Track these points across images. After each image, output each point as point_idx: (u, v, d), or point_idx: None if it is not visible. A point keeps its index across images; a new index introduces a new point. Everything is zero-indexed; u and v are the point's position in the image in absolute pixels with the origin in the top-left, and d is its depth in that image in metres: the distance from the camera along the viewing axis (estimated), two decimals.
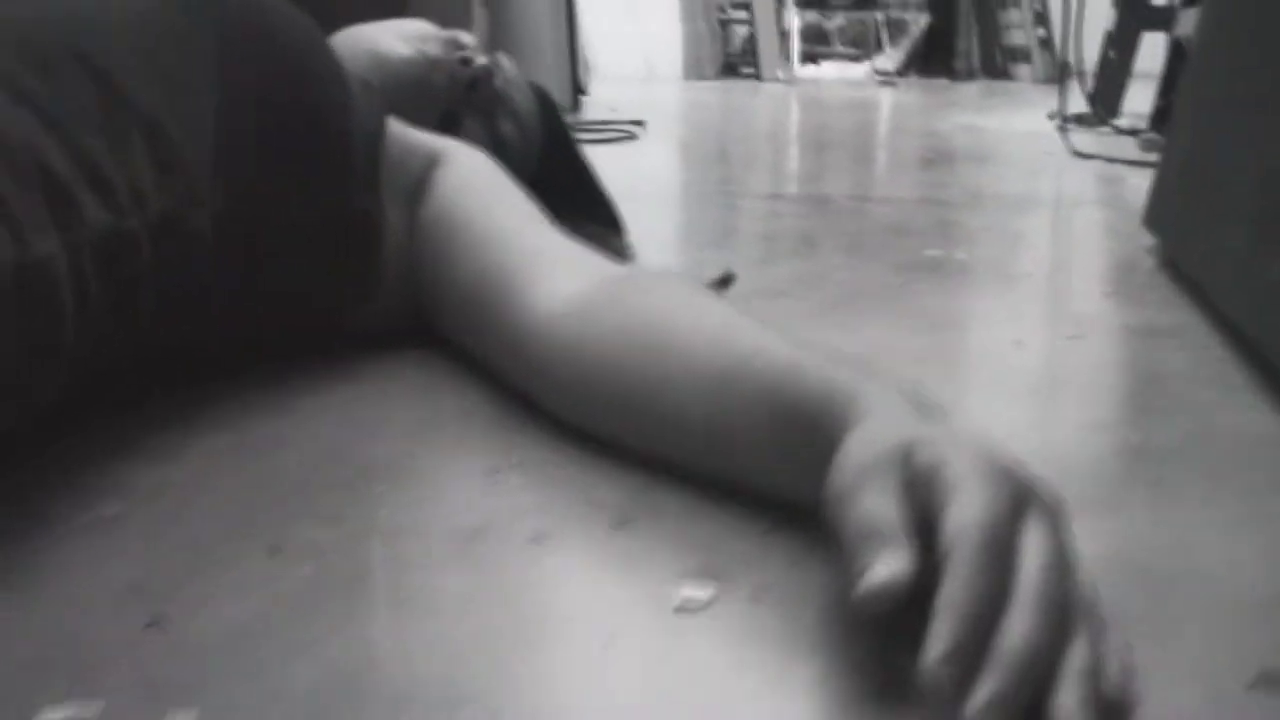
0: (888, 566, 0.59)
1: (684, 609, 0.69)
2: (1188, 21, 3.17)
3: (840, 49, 7.48)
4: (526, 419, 0.97)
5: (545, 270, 1.02)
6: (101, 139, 0.90)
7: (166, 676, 0.61)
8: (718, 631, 0.67)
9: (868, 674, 0.63)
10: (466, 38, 1.49)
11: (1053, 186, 2.67)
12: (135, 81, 0.95)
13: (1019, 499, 0.62)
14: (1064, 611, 0.59)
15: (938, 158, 3.19)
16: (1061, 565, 0.61)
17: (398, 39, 1.42)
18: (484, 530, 0.79)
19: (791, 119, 4.58)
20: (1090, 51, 4.00)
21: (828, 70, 7.24)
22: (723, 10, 7.23)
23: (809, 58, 7.31)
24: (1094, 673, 0.58)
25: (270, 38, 1.09)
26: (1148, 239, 1.79)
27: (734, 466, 0.83)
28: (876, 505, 0.62)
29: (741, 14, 7.09)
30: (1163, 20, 3.84)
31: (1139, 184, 2.23)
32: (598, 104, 4.36)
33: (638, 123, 3.75)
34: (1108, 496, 0.87)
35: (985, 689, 0.55)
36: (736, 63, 7.12)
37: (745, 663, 0.64)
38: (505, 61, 1.54)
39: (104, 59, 0.94)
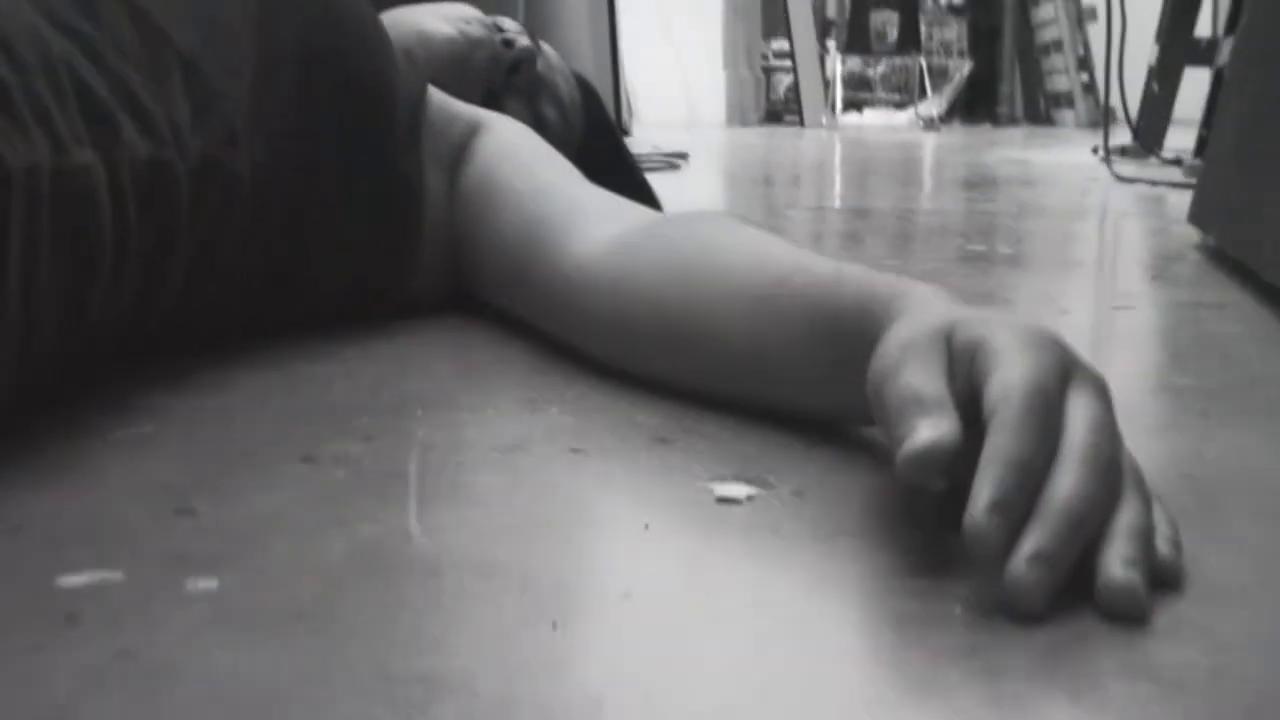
0: (932, 429, 0.57)
1: (723, 502, 0.68)
2: (1230, 52, 3.15)
3: (883, 95, 7.49)
4: (568, 365, 0.96)
5: (584, 218, 1.02)
6: (140, 74, 0.90)
7: (190, 551, 0.60)
8: (756, 524, 0.65)
9: (912, 552, 0.61)
10: (510, 22, 1.49)
11: (1096, 202, 2.65)
12: (174, 21, 0.95)
13: (1065, 368, 0.61)
14: (1113, 472, 0.58)
15: (982, 181, 3.18)
16: (1110, 429, 0.59)
17: (441, 20, 1.42)
18: (523, 444, 0.78)
19: (835, 154, 4.58)
20: (1134, 91, 3.98)
21: (871, 117, 7.25)
22: (766, 58, 7.26)
23: (852, 104, 7.33)
24: (1144, 534, 0.56)
25: None
26: (1194, 237, 1.77)
27: (778, 387, 0.81)
28: (919, 377, 0.61)
29: (785, 62, 7.11)
30: (1206, 54, 3.83)
31: (1181, 201, 2.22)
32: (640, 143, 4.37)
33: (681, 155, 3.76)
34: (1154, 424, 0.85)
35: (1032, 540, 0.54)
36: (780, 110, 7.14)
37: (784, 549, 0.62)
38: (548, 48, 1.54)
39: (146, 2, 0.94)
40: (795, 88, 6.86)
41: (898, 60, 7.30)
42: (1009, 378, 0.58)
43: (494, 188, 1.14)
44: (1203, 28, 3.94)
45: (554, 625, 0.52)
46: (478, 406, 0.87)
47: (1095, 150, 4.01)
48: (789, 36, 6.80)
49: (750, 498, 0.68)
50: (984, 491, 0.54)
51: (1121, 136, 3.91)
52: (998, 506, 0.54)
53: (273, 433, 0.80)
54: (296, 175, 1.04)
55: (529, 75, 1.46)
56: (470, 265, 1.16)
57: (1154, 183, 2.99)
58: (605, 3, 2.83)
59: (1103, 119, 3.87)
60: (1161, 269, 1.58)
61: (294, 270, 1.06)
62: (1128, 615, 0.53)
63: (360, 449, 0.77)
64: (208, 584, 0.56)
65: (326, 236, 1.08)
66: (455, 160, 1.19)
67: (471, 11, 1.47)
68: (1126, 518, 0.57)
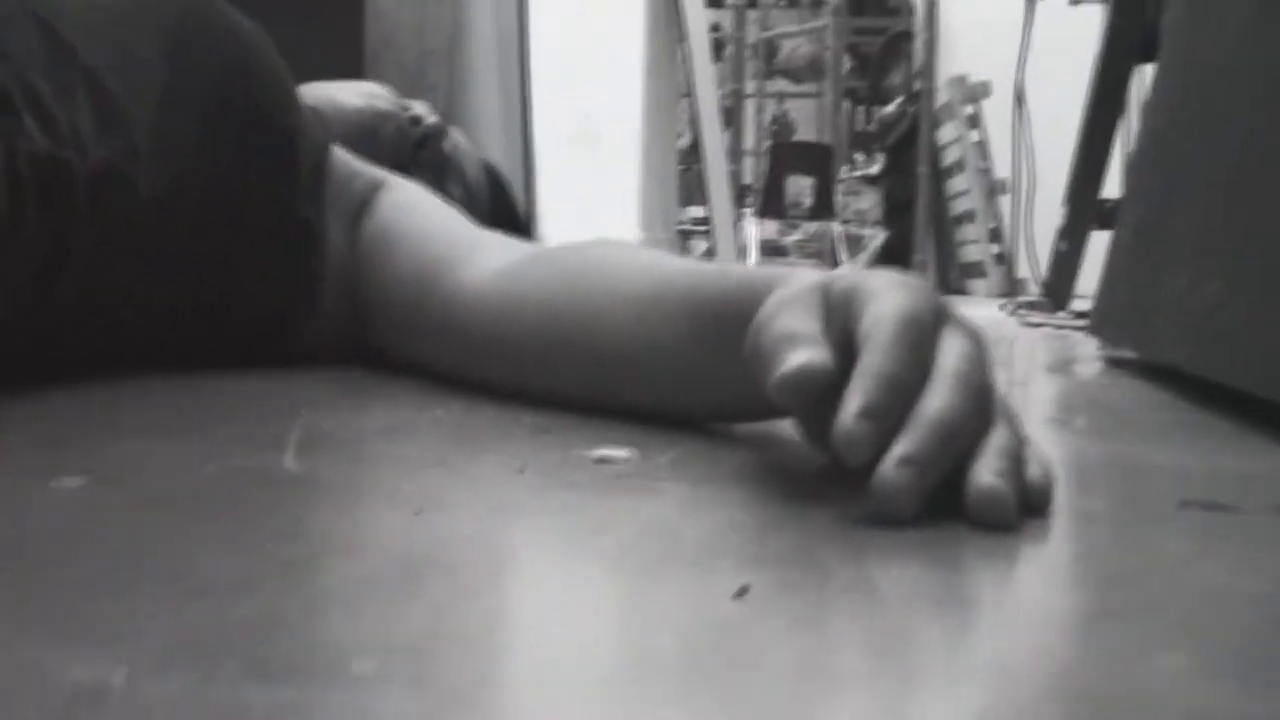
0: (804, 356, 0.58)
1: (601, 462, 0.67)
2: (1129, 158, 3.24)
3: (799, 261, 7.60)
4: (459, 388, 0.95)
5: (477, 252, 1.02)
6: (45, 82, 0.90)
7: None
8: (632, 475, 0.65)
9: (788, 490, 0.61)
10: (420, 104, 1.51)
11: (1005, 337, 2.70)
12: (81, 38, 0.96)
13: (938, 310, 0.62)
14: (985, 398, 0.58)
15: None
16: (982, 363, 0.60)
17: (351, 93, 1.44)
18: (404, 427, 0.78)
19: None
20: (1044, 256, 4.06)
21: None
22: (681, 222, 7.36)
23: None
24: (1014, 455, 0.57)
25: (228, 32, 1.11)
26: (1093, 349, 1.81)
27: (667, 387, 0.81)
28: (794, 320, 0.61)
29: (702, 226, 7.21)
30: (1110, 217, 3.93)
31: (1085, 338, 2.26)
32: None
33: None
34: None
35: (901, 446, 0.54)
36: None
37: (658, 490, 0.62)
38: (458, 132, 1.56)
39: (54, 18, 0.95)
40: (709, 252, 6.95)
41: (813, 227, 7.43)
42: (882, 309, 0.59)
43: (393, 237, 1.14)
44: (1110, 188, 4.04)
45: (416, 512, 0.52)
46: (362, 408, 0.87)
47: (1003, 306, 4.08)
48: (705, 203, 6.91)
49: (627, 459, 0.68)
50: (854, 400, 0.55)
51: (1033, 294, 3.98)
52: (867, 412, 0.54)
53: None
54: (197, 206, 1.03)
55: (435, 152, 1.48)
56: (366, 312, 1.15)
57: (1059, 326, 3.04)
58: (520, 129, 2.86)
59: (1008, 268, 3.95)
60: (1060, 366, 1.61)
61: (191, 302, 1.05)
62: (995, 521, 0.53)
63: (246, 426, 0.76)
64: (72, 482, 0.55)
65: (225, 271, 1.07)
66: (357, 214, 1.19)
67: (382, 90, 1.49)
68: (997, 440, 0.57)
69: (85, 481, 0.55)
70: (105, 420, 0.76)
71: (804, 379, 0.57)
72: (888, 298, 0.60)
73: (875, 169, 6.83)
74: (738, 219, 7.20)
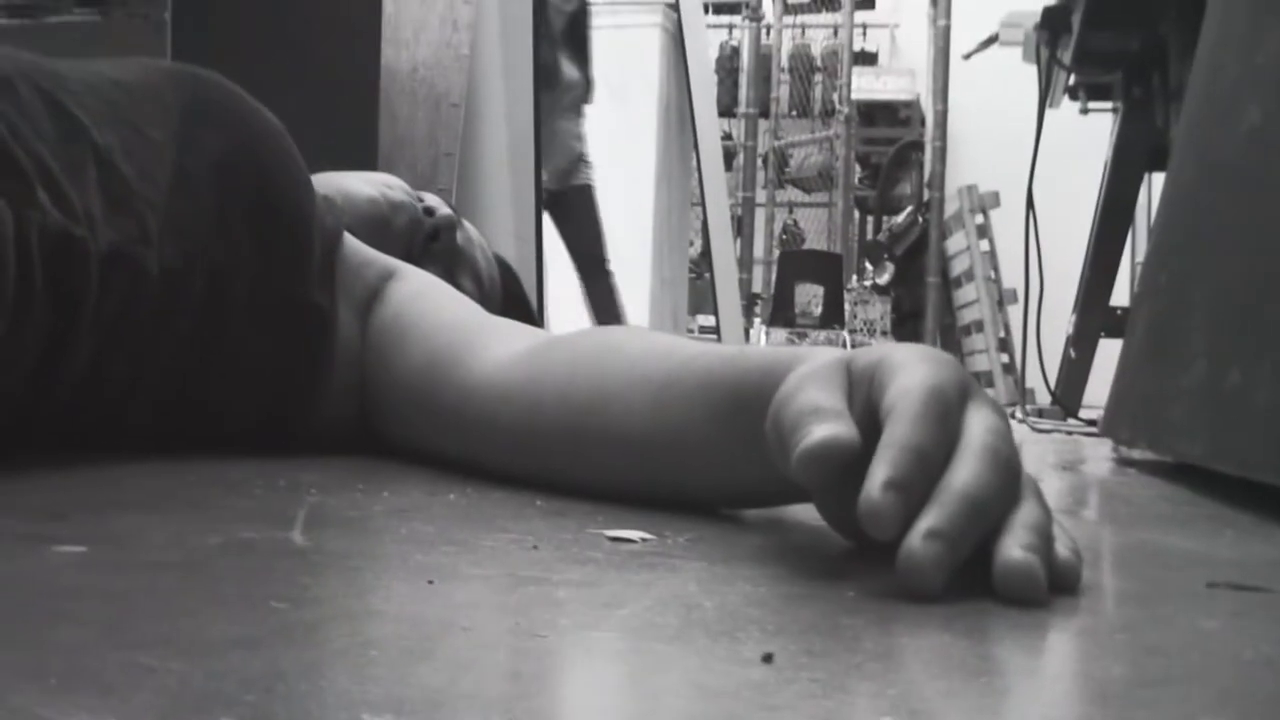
0: (828, 430, 0.56)
1: (617, 541, 0.66)
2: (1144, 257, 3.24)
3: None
4: (472, 473, 0.94)
5: (491, 338, 1.01)
6: (56, 160, 0.90)
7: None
8: (649, 554, 0.63)
9: (809, 568, 0.60)
10: (433, 196, 1.51)
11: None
12: (91, 117, 0.96)
13: (964, 384, 0.60)
14: (1012, 473, 0.57)
15: None
16: (1008, 437, 0.59)
17: (364, 182, 1.44)
18: (417, 508, 0.76)
19: None
20: (1053, 365, 4.06)
21: None
22: (692, 330, 7.37)
23: None
24: (1043, 531, 0.55)
25: (240, 115, 1.11)
26: (1106, 450, 1.79)
27: (685, 472, 0.79)
28: (817, 395, 0.60)
29: (711, 335, 7.22)
30: (1120, 325, 3.92)
31: (1096, 443, 2.24)
32: None
33: None
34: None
35: (928, 519, 0.53)
36: None
37: (675, 568, 0.60)
38: (470, 225, 1.56)
39: (60, 92, 0.95)
40: None
41: (822, 335, 7.43)
42: (907, 382, 0.58)
43: (404, 324, 1.13)
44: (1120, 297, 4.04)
45: (429, 581, 0.50)
46: (372, 490, 0.85)
47: (1013, 414, 4.06)
48: (715, 311, 6.92)
49: (644, 540, 0.66)
50: (880, 471, 0.53)
51: (1042, 403, 3.98)
52: (894, 484, 0.53)
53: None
54: (208, 288, 1.03)
55: (448, 244, 1.47)
56: (375, 401, 1.14)
57: (1070, 432, 3.03)
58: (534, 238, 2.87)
59: (1020, 376, 3.94)
60: (1072, 465, 1.59)
61: (199, 385, 1.04)
62: (1025, 596, 0.52)
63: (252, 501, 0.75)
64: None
65: (234, 354, 1.06)
66: (368, 302, 1.18)
67: (396, 180, 1.49)
68: (1026, 515, 0.56)
69: (86, 550, 0.54)
70: (108, 495, 0.75)
71: (828, 453, 0.56)
72: (913, 371, 0.59)
73: (884, 278, 6.85)
74: (747, 327, 7.22)
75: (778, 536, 0.69)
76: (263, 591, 0.47)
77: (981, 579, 0.52)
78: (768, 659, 0.40)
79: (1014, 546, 0.53)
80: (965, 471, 0.54)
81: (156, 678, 0.35)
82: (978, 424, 0.58)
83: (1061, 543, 0.57)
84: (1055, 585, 0.54)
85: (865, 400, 0.60)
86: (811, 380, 0.62)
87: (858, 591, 0.53)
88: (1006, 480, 0.56)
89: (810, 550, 0.65)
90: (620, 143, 5.71)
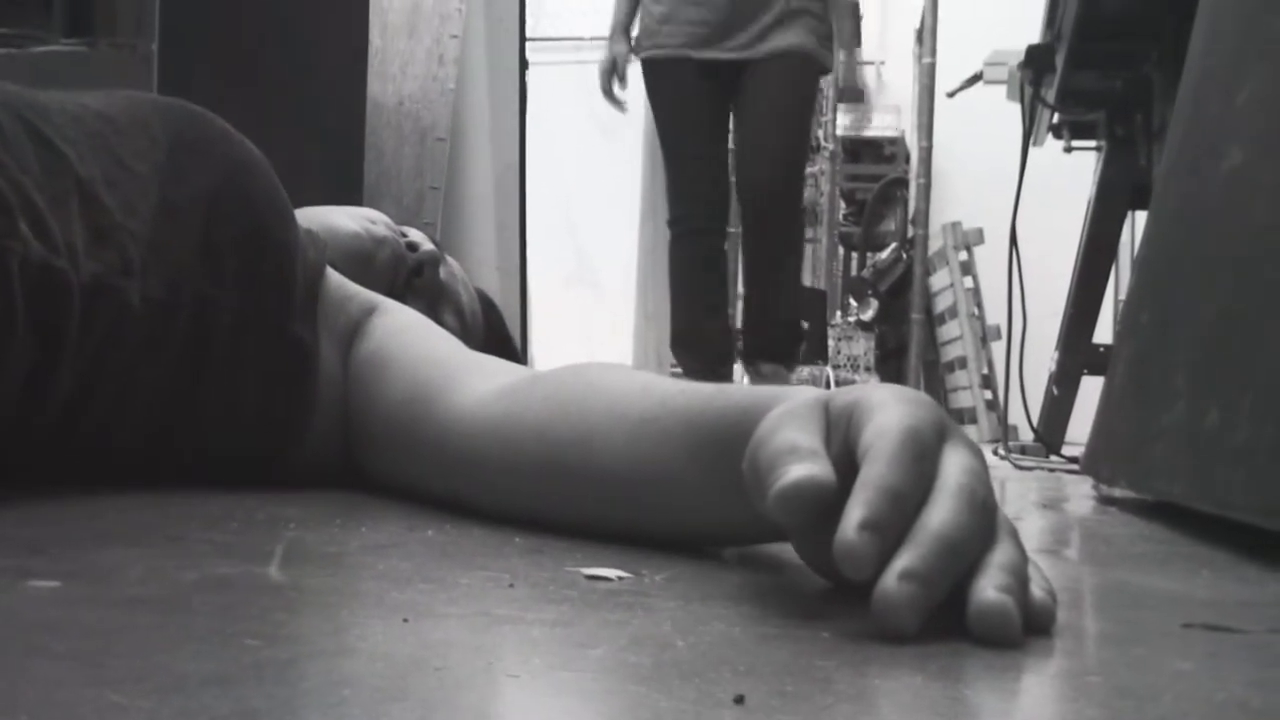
0: (804, 469, 0.56)
1: (593, 579, 0.66)
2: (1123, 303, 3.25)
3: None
4: (452, 510, 0.93)
5: (471, 374, 1.01)
6: (39, 193, 0.90)
7: None
8: (625, 592, 0.63)
9: (785, 609, 0.60)
10: (416, 231, 1.51)
11: (995, 479, 2.68)
12: (74, 150, 0.96)
13: (941, 424, 0.60)
14: (988, 514, 0.57)
15: None
16: (985, 479, 0.59)
17: (347, 217, 1.44)
18: (396, 544, 0.76)
19: None
20: (1036, 402, 4.06)
21: None
22: (674, 365, 7.36)
23: None
24: (1019, 572, 0.56)
25: (224, 148, 1.11)
26: (1087, 488, 1.79)
27: (662, 510, 0.79)
28: (794, 435, 0.60)
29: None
30: (1103, 362, 3.93)
31: (1078, 480, 2.24)
32: None
33: None
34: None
35: (904, 559, 0.53)
36: None
37: (651, 606, 0.60)
38: (453, 261, 1.56)
39: (42, 122, 0.95)
40: None
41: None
42: (884, 422, 0.58)
43: (386, 359, 1.13)
44: (1102, 335, 4.05)
45: (404, 619, 0.50)
46: (351, 526, 0.85)
47: (995, 451, 4.06)
48: None
49: (621, 578, 0.66)
50: (855, 512, 0.53)
51: (1024, 440, 3.98)
52: (869, 524, 0.53)
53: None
54: (191, 320, 1.03)
55: (431, 279, 1.47)
56: (357, 435, 1.14)
57: (1052, 469, 3.03)
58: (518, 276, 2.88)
59: (1002, 413, 3.95)
60: (1053, 503, 1.59)
61: (182, 419, 1.04)
62: (999, 637, 0.52)
63: (221, 536, 0.74)
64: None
65: (217, 388, 1.06)
66: (350, 336, 1.18)
67: (379, 215, 1.49)
68: (1001, 555, 0.56)
69: (61, 584, 0.54)
70: (86, 529, 0.75)
71: (804, 492, 0.56)
72: (890, 411, 0.59)
73: (869, 314, 6.85)
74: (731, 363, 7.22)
75: (755, 575, 0.69)
76: (237, 628, 0.47)
77: (956, 620, 0.52)
78: (739, 700, 0.40)
79: (989, 588, 0.53)
80: (941, 512, 0.54)
81: (128, 716, 0.35)
82: (954, 465, 0.58)
83: (1036, 584, 0.57)
84: (1030, 626, 0.54)
85: (843, 440, 0.61)
86: (789, 420, 0.62)
87: (832, 632, 0.53)
88: (982, 521, 0.56)
89: (787, 590, 0.66)
90: (607, 176, 5.72)
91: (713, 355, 3.70)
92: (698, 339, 3.70)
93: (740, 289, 4.65)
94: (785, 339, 3.72)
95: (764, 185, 3.49)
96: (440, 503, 0.94)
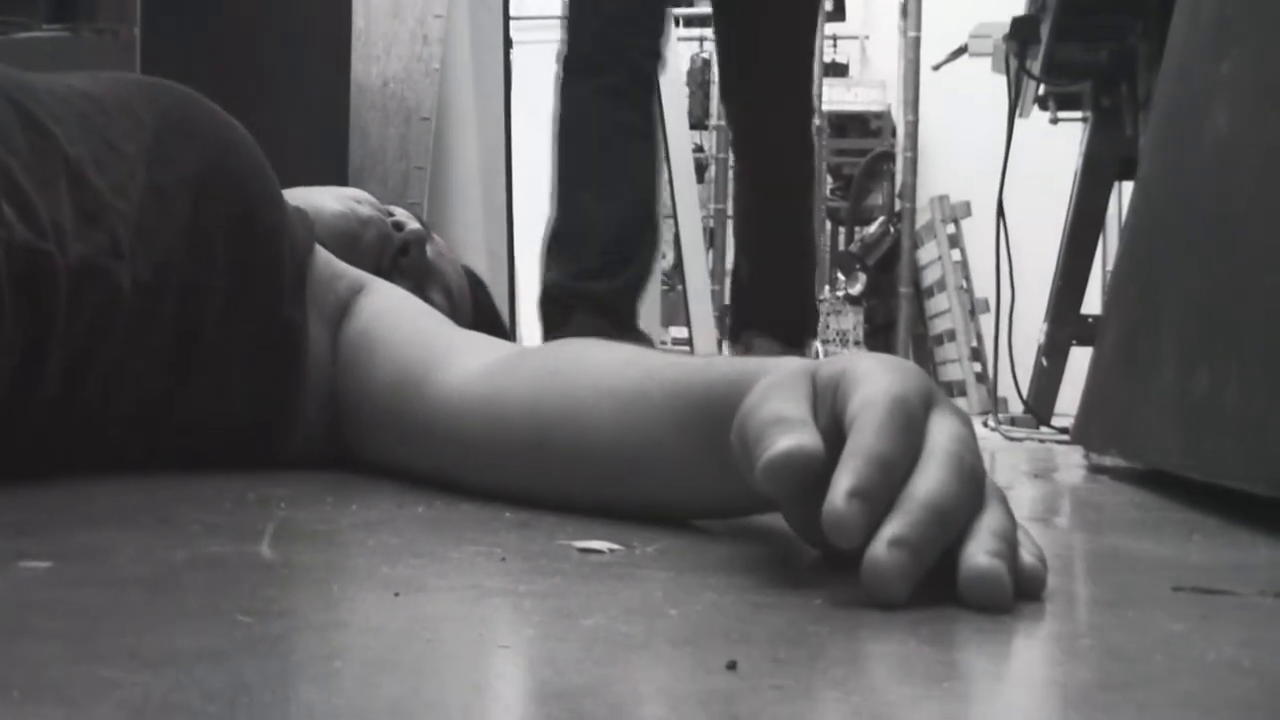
0: (792, 440, 0.56)
1: (585, 552, 0.66)
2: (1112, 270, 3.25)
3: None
4: (442, 489, 0.93)
5: (459, 353, 1.01)
6: (26, 173, 0.90)
7: None
8: (617, 564, 0.63)
9: (778, 579, 0.60)
10: (401, 210, 1.51)
11: (985, 449, 2.69)
12: (63, 130, 0.95)
13: (928, 393, 0.60)
14: (976, 481, 0.57)
15: None
16: (973, 445, 0.59)
17: (333, 198, 1.43)
18: (386, 520, 0.76)
19: None
20: (1025, 373, 4.07)
21: None
22: (665, 343, 7.36)
23: None
24: (1008, 537, 0.56)
25: (212, 128, 1.10)
26: (1077, 457, 1.80)
27: (650, 483, 0.79)
28: (782, 404, 0.60)
29: (684, 348, 7.22)
30: (1091, 332, 3.94)
31: (1068, 450, 2.26)
32: None
33: None
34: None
35: (892, 527, 0.53)
36: None
37: (644, 577, 0.60)
38: (440, 239, 1.55)
39: (30, 101, 0.95)
40: None
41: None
42: (871, 391, 0.58)
43: (374, 338, 1.12)
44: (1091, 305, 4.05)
45: (395, 594, 0.50)
46: (342, 504, 0.85)
47: (985, 423, 4.07)
48: (687, 323, 6.92)
49: (612, 550, 0.66)
50: (843, 480, 0.53)
51: (1014, 412, 3.98)
52: (857, 492, 0.53)
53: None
54: (181, 302, 1.02)
55: (418, 258, 1.46)
56: (347, 415, 1.13)
57: (1042, 440, 3.03)
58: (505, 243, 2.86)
59: (992, 385, 3.95)
60: (1043, 473, 1.60)
61: (173, 401, 1.04)
62: (989, 603, 0.52)
63: (213, 518, 0.74)
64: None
65: (207, 371, 1.06)
66: (338, 316, 1.17)
67: (364, 195, 1.48)
68: (990, 521, 0.56)
69: (52, 565, 0.54)
70: (77, 511, 0.75)
71: (792, 463, 0.56)
72: (877, 380, 0.59)
73: (857, 289, 6.85)
74: (720, 339, 7.22)
75: (746, 546, 0.69)
76: (229, 605, 0.47)
77: (947, 586, 0.52)
78: (732, 666, 0.40)
79: (979, 553, 0.53)
80: (929, 479, 0.55)
81: (120, 690, 0.35)
82: (941, 432, 0.58)
83: (1026, 549, 0.57)
84: (1020, 591, 0.55)
85: (830, 410, 0.61)
86: (776, 391, 0.62)
87: (824, 600, 0.53)
88: (971, 487, 0.56)
89: (778, 559, 0.66)
90: None
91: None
92: None
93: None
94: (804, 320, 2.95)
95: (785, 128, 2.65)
96: (430, 480, 0.94)
